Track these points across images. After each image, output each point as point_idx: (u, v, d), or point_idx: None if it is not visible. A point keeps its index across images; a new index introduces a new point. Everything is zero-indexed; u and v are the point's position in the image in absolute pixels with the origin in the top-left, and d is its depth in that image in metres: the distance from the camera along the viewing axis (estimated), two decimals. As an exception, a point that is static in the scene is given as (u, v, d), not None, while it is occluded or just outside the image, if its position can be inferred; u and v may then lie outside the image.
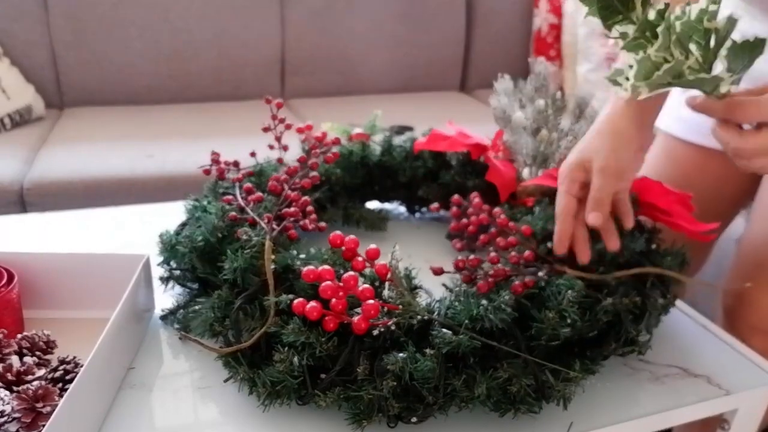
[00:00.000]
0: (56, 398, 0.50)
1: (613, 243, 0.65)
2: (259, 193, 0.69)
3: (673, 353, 0.68)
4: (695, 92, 0.57)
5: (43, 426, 0.45)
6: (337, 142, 0.83)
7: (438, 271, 0.63)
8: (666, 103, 0.78)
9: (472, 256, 0.61)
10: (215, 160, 0.78)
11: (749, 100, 0.55)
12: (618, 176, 0.65)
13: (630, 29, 0.54)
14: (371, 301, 0.51)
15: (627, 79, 0.53)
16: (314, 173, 0.73)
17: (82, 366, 0.52)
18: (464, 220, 0.70)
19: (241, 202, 0.68)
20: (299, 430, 0.55)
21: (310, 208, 0.70)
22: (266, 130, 0.86)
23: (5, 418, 0.48)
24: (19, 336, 0.57)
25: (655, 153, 1.02)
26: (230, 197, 0.69)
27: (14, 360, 0.55)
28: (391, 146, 0.91)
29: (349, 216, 0.88)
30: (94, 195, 1.55)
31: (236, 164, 0.79)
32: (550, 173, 0.76)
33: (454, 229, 0.72)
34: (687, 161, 0.97)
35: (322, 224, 0.72)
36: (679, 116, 0.96)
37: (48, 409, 0.49)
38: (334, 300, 0.51)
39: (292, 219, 0.68)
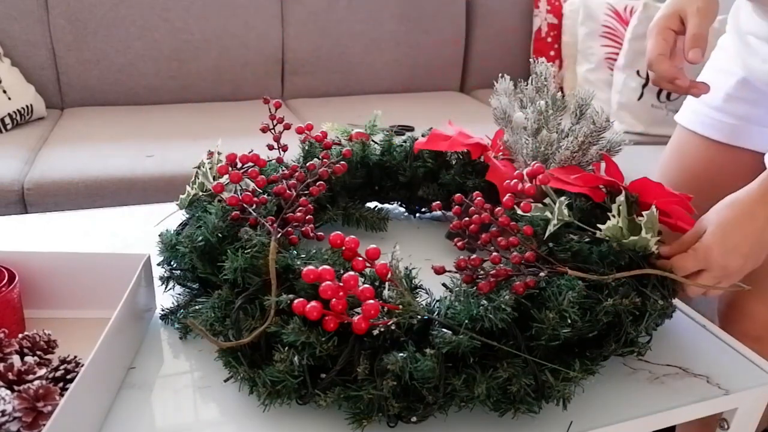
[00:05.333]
0: (57, 398, 0.50)
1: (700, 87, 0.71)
2: (264, 196, 0.70)
3: (672, 353, 0.68)
4: None
5: (44, 425, 0.45)
6: (347, 154, 0.84)
7: (440, 271, 0.63)
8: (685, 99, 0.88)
9: (473, 256, 0.62)
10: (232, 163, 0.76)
11: (683, 261, 0.65)
12: (711, 16, 0.72)
13: None
14: (371, 301, 0.51)
15: None
16: (321, 182, 0.74)
17: (82, 365, 0.52)
18: (465, 219, 0.70)
19: (243, 203, 0.68)
20: (299, 430, 0.55)
21: (309, 217, 0.71)
22: (265, 129, 0.86)
23: (6, 418, 0.48)
24: (20, 335, 0.57)
25: (669, 145, 1.06)
26: (233, 197, 0.69)
27: (15, 359, 0.55)
28: (391, 146, 0.91)
29: (349, 216, 0.88)
30: (95, 195, 1.55)
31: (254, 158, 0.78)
32: (550, 173, 0.76)
33: (455, 228, 0.72)
34: (696, 154, 0.98)
35: (321, 234, 0.72)
36: (693, 109, 0.99)
37: (49, 408, 0.49)
38: (334, 300, 0.51)
39: (295, 224, 0.69)
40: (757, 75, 0.88)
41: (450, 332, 0.54)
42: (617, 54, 2.13)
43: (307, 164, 0.75)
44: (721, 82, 0.95)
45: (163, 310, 0.68)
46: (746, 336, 0.83)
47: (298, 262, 0.60)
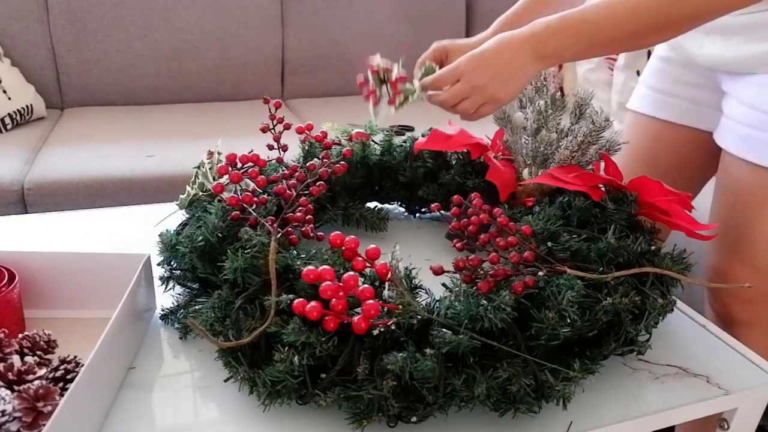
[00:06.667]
0: (57, 398, 0.50)
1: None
2: (264, 196, 0.70)
3: (672, 353, 0.68)
4: None
5: (44, 425, 0.45)
6: (347, 154, 0.84)
7: (438, 271, 0.63)
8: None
9: (472, 256, 0.62)
10: (232, 163, 0.76)
11: (438, 75, 0.80)
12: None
13: None
14: (371, 301, 0.51)
15: None
16: (321, 182, 0.74)
17: (82, 365, 0.52)
18: (464, 220, 0.70)
19: (243, 203, 0.69)
20: (299, 430, 0.55)
21: (309, 217, 0.71)
22: (265, 129, 0.86)
23: (6, 418, 0.48)
24: (20, 335, 0.57)
25: (625, 128, 1.12)
26: (233, 197, 0.69)
27: (15, 359, 0.55)
28: (391, 146, 0.91)
29: (349, 216, 0.88)
30: (95, 195, 1.55)
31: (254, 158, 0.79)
32: (550, 173, 0.76)
33: (454, 229, 0.72)
34: (648, 133, 1.05)
35: (321, 234, 0.72)
36: (640, 94, 1.06)
37: (49, 408, 0.49)
38: (334, 300, 0.51)
39: (295, 224, 0.69)
40: (696, 60, 0.93)
41: (450, 332, 0.54)
42: (617, 54, 2.12)
43: (307, 164, 0.75)
44: (670, 69, 1.00)
45: (163, 310, 0.68)
46: (737, 298, 0.87)
47: (298, 262, 0.60)
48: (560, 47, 0.74)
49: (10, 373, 0.53)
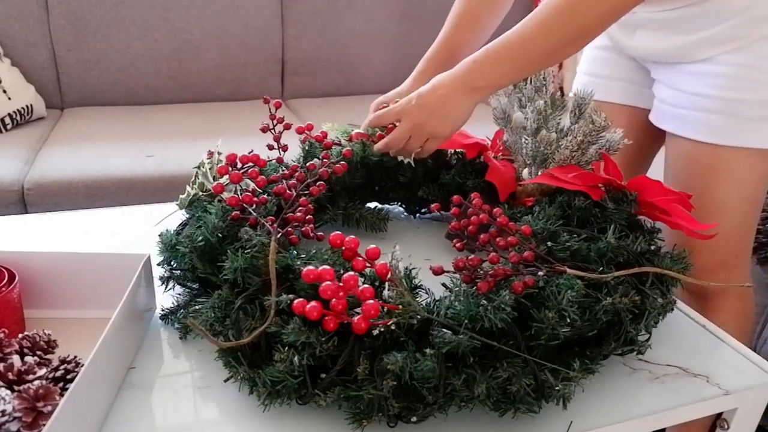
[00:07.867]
0: (57, 398, 0.50)
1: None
2: (264, 196, 0.70)
3: (672, 353, 0.68)
4: None
5: (44, 425, 0.45)
6: (347, 154, 0.84)
7: (438, 271, 0.63)
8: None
9: (472, 256, 0.62)
10: (232, 163, 0.76)
11: (381, 113, 0.87)
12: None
13: None
14: (371, 301, 0.51)
15: None
16: (321, 182, 0.74)
17: (82, 365, 0.52)
18: (464, 220, 0.70)
19: (243, 203, 0.69)
20: (299, 430, 0.55)
21: (309, 217, 0.71)
22: (265, 129, 0.86)
23: (6, 418, 0.48)
24: (20, 335, 0.57)
25: None
26: (233, 197, 0.69)
27: (15, 359, 0.55)
28: (391, 146, 0.91)
29: (349, 216, 0.88)
30: (95, 195, 1.55)
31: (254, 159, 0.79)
32: (550, 173, 0.76)
33: (453, 229, 0.72)
34: None
35: (321, 234, 0.72)
36: (580, 81, 1.12)
37: (49, 408, 0.49)
38: (334, 300, 0.51)
39: (295, 224, 0.69)
40: (627, 51, 1.00)
41: (450, 332, 0.54)
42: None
43: (307, 164, 0.76)
44: (606, 56, 1.06)
45: (163, 310, 0.68)
46: (704, 271, 0.90)
47: (298, 262, 0.60)
48: (490, 77, 0.79)
49: (10, 373, 0.53)
